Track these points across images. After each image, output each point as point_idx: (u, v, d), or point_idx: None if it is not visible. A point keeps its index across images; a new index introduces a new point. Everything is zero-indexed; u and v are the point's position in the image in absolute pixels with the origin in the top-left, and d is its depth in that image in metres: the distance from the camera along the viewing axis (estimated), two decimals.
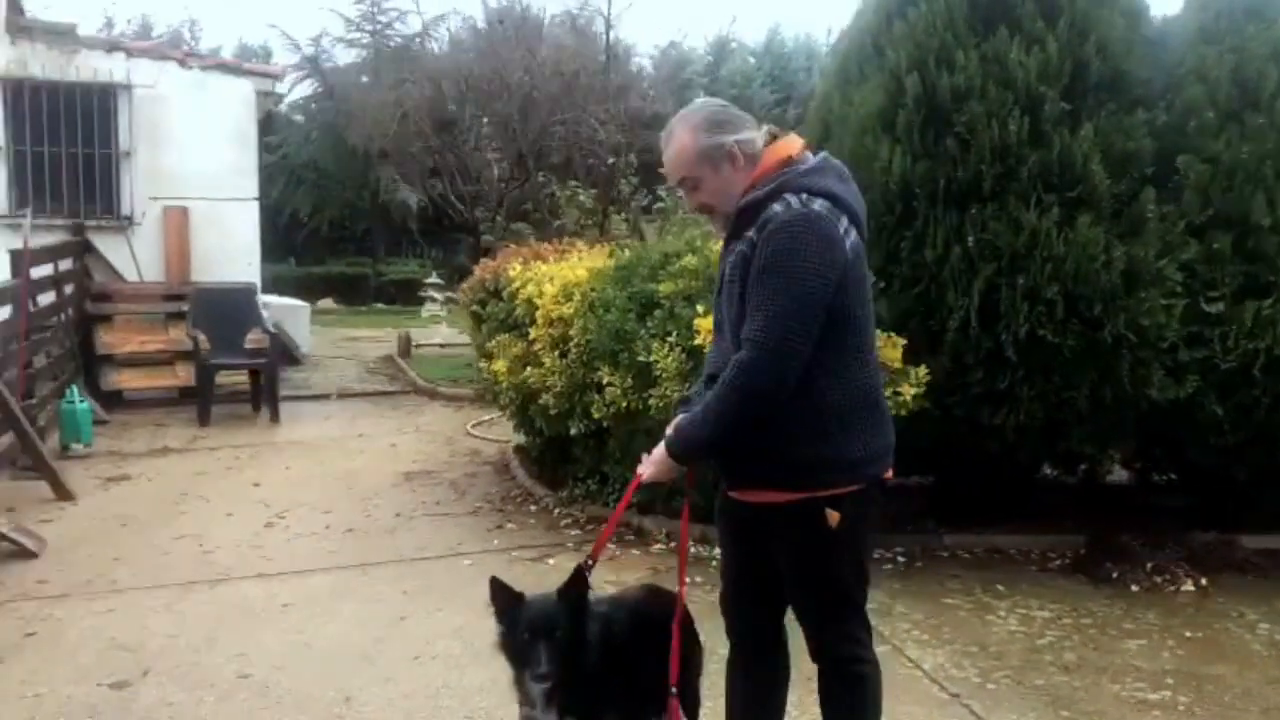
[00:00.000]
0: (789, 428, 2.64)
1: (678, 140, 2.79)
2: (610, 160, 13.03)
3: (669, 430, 2.80)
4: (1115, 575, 5.39)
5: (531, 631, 2.68)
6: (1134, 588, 5.28)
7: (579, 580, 2.77)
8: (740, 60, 30.51)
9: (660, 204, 12.02)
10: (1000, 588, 5.28)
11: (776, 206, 2.61)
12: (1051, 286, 5.11)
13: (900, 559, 5.68)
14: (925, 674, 4.27)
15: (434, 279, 17.76)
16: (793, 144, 2.78)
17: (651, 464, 2.83)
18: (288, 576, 5.46)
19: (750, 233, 2.65)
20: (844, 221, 2.64)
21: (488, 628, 2.84)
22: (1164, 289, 5.21)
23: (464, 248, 14.14)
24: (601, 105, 13.09)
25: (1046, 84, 5.28)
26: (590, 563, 2.85)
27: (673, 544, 5.91)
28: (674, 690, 2.91)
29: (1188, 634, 4.71)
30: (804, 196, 2.62)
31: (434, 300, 16.44)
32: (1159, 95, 5.52)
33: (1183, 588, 5.27)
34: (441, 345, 14.51)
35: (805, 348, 2.56)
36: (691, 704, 3.28)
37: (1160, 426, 5.55)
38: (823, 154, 2.80)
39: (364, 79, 20.25)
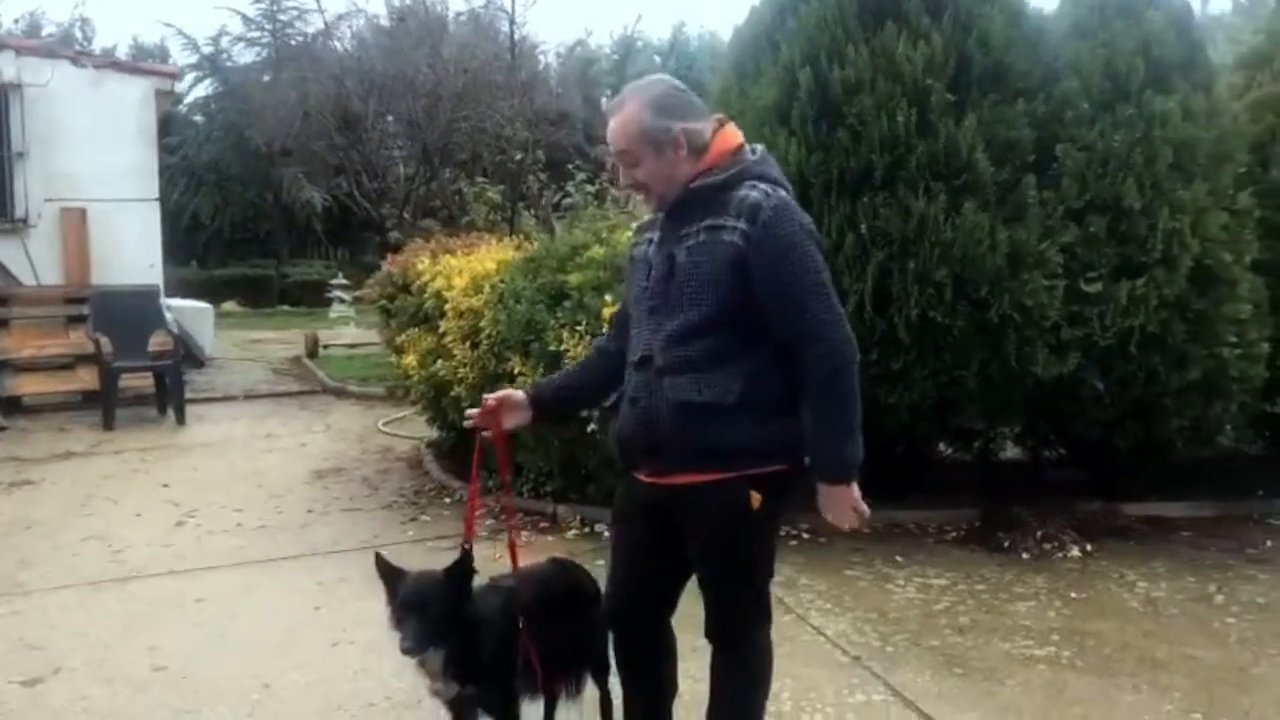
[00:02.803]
0: (739, 410, 2.62)
1: (625, 112, 2.69)
2: (518, 156, 13.09)
3: (824, 465, 2.67)
4: (1007, 544, 5.66)
5: (404, 607, 2.80)
6: (1024, 555, 5.55)
7: (463, 559, 2.89)
8: (646, 59, 30.73)
9: (569, 199, 12.10)
10: (899, 559, 5.51)
11: (752, 193, 2.59)
12: (940, 270, 5.34)
13: (805, 535, 5.88)
14: (828, 639, 4.47)
15: (340, 279, 17.60)
16: (738, 134, 2.77)
17: (842, 506, 2.68)
18: (199, 573, 5.45)
19: (727, 219, 2.60)
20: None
21: None
22: (1046, 270, 5.47)
23: (371, 246, 14.03)
24: (507, 102, 13.13)
25: (932, 77, 5.51)
26: (468, 542, 2.95)
27: (586, 529, 6.05)
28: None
29: (1073, 595, 4.99)
30: (771, 186, 2.63)
31: (341, 301, 16.30)
32: (1038, 87, 5.77)
33: (1069, 554, 5.56)
34: (350, 345, 14.42)
35: None
36: (601, 668, 3.41)
37: (1047, 402, 5.82)
38: (761, 147, 2.79)
39: (266, 78, 19.94)
